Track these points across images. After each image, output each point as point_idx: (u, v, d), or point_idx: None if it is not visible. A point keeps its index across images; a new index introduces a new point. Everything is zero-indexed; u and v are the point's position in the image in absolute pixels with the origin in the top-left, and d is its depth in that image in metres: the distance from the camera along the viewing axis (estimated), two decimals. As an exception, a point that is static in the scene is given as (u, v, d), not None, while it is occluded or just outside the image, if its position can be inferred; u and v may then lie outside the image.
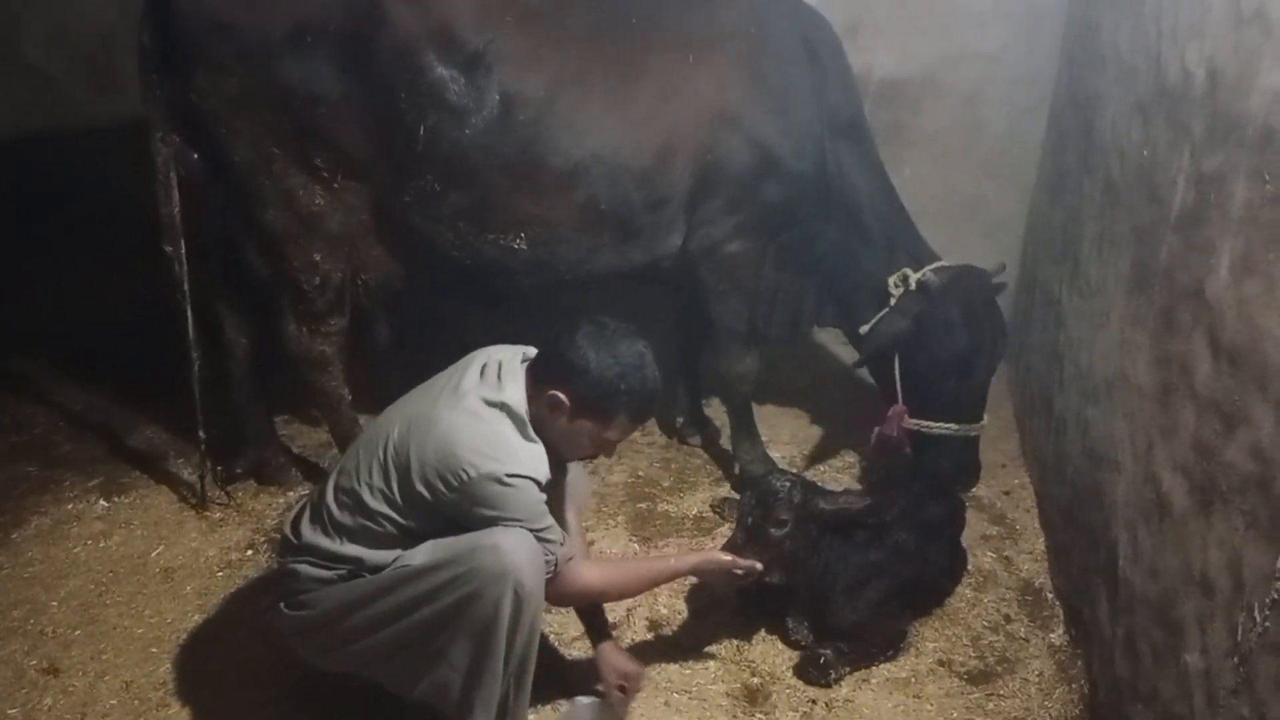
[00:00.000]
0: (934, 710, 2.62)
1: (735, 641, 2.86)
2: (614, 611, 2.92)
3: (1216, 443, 1.94)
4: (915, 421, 3.34)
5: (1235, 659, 1.79)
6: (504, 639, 2.10)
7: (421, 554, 2.13)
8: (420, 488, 2.11)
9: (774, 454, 3.80)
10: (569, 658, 2.77)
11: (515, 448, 2.14)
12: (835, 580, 2.75)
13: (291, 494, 3.52)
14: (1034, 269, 4.34)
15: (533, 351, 2.31)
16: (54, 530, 3.30)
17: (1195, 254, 2.16)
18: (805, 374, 4.57)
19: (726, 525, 3.32)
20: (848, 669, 2.72)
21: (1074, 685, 2.71)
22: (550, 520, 2.19)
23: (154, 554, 3.18)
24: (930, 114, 4.67)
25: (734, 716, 2.58)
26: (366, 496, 2.17)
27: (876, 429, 3.40)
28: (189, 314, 3.12)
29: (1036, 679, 2.75)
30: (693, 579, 3.03)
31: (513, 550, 2.07)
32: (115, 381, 4.24)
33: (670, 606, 2.99)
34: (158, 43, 2.87)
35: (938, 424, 3.32)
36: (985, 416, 3.46)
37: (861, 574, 2.77)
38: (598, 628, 2.59)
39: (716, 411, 4.06)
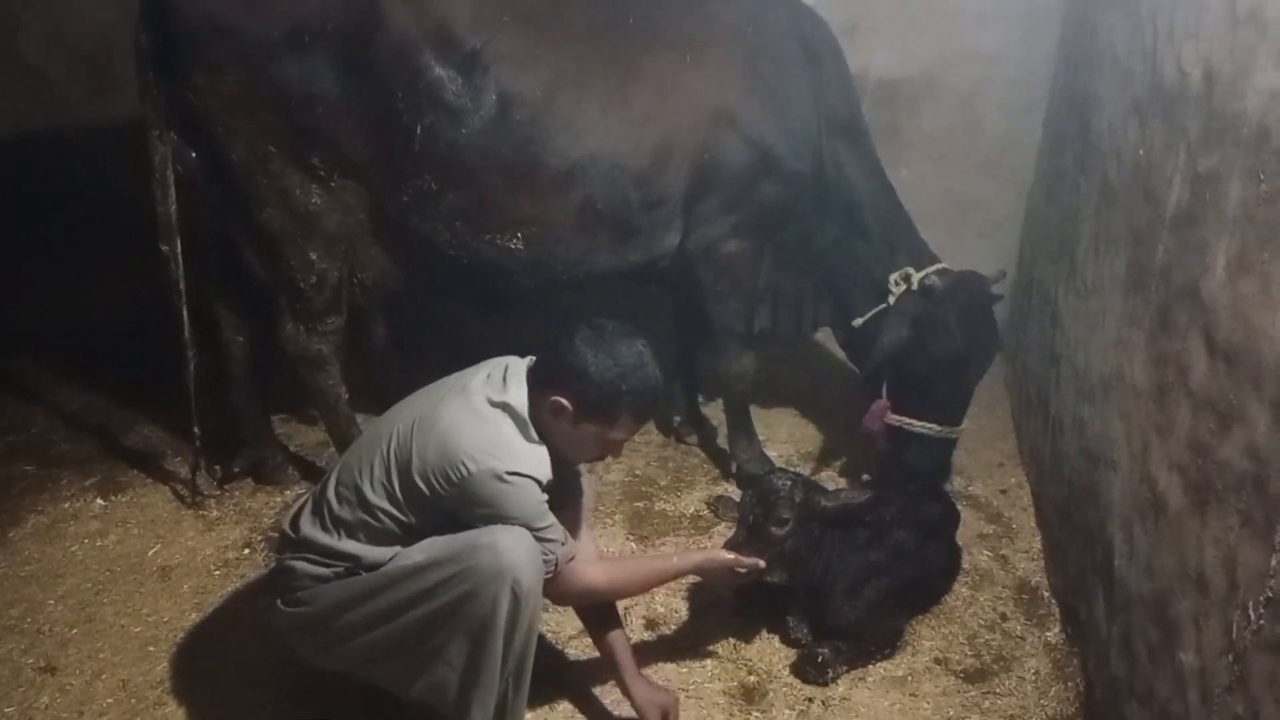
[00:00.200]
0: (930, 708, 2.63)
1: (732, 640, 2.86)
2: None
3: (1212, 441, 1.95)
4: (898, 417, 3.35)
5: (1230, 657, 1.80)
6: (501, 638, 2.10)
7: (419, 552, 2.13)
8: (420, 484, 2.11)
9: (771, 453, 3.81)
10: (568, 657, 2.77)
11: (516, 447, 2.15)
12: (835, 580, 2.75)
13: (289, 493, 3.52)
14: (1031, 269, 4.34)
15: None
16: (51, 529, 3.30)
17: (1191, 253, 2.16)
18: (803, 373, 4.57)
19: (723, 524, 3.32)
20: (844, 667, 2.73)
21: (1070, 683, 2.72)
22: (551, 520, 2.19)
23: (151, 553, 3.18)
24: (928, 114, 4.68)
25: (731, 714, 2.58)
26: (368, 491, 2.17)
27: (862, 421, 3.42)
28: (185, 313, 3.12)
29: (1033, 677, 2.76)
30: (691, 577, 3.04)
31: (511, 549, 2.07)
32: (113, 381, 4.24)
33: (667, 605, 3.00)
34: (155, 43, 2.87)
35: (920, 423, 3.34)
36: (965, 421, 3.51)
37: (861, 573, 2.77)
38: (623, 663, 2.48)
39: (714, 410, 4.06)
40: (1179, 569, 2.06)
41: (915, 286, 3.32)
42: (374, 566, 2.17)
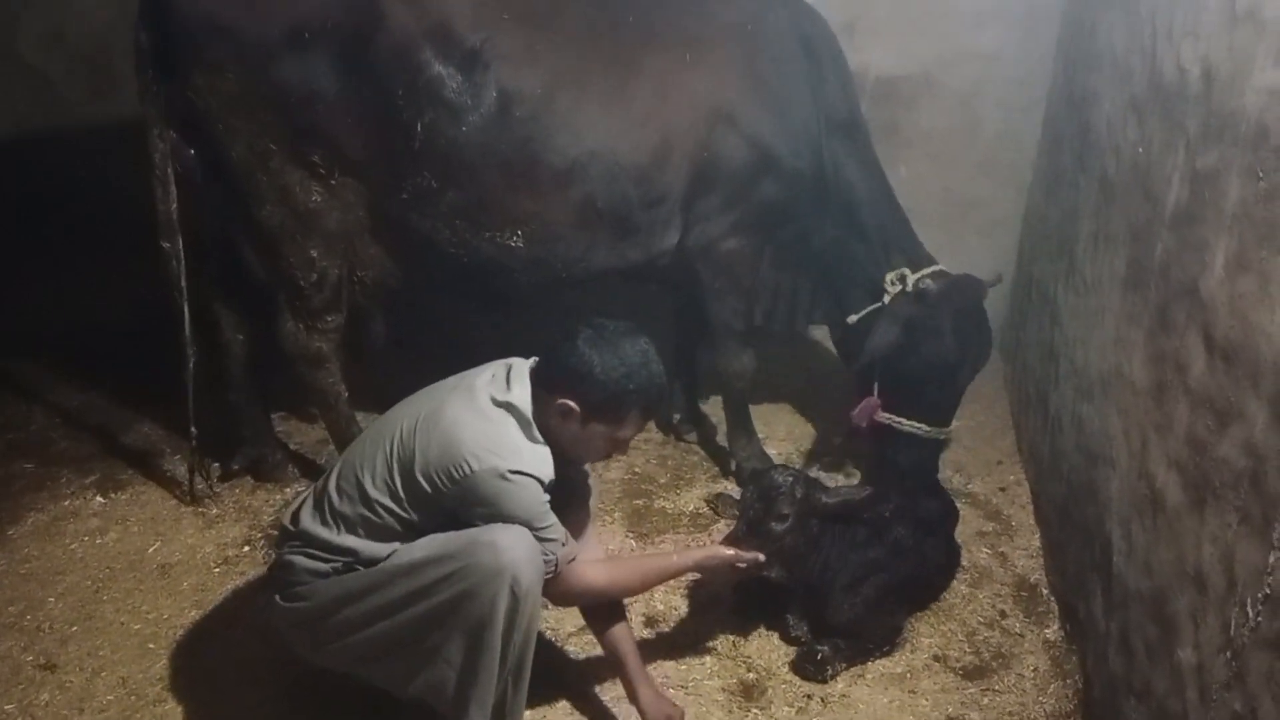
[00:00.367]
0: (929, 705, 2.63)
1: (731, 637, 2.86)
2: (610, 608, 2.94)
3: (1210, 439, 1.95)
4: (888, 416, 3.37)
5: (1228, 654, 1.80)
6: (500, 637, 2.10)
7: (418, 549, 2.13)
8: (423, 481, 2.12)
9: (770, 450, 3.81)
10: (567, 655, 2.78)
11: (519, 446, 2.15)
12: (834, 577, 2.75)
13: (288, 491, 3.52)
14: (1030, 267, 4.35)
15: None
16: (51, 527, 3.30)
17: (1190, 251, 2.17)
18: (801, 371, 4.58)
19: (723, 522, 3.32)
20: (843, 664, 2.73)
21: (1069, 680, 2.72)
22: (552, 520, 2.19)
23: (151, 550, 3.18)
24: (927, 113, 4.68)
25: (730, 712, 2.59)
26: (369, 486, 2.18)
27: (849, 414, 3.44)
28: (185, 310, 3.12)
29: (1031, 674, 2.76)
30: (692, 576, 3.05)
31: (510, 547, 2.07)
32: (113, 380, 4.25)
33: (666, 603, 3.00)
34: (155, 41, 2.87)
35: (909, 422, 3.35)
36: (954, 423, 3.53)
37: (861, 571, 2.77)
38: (631, 667, 2.47)
39: (713, 408, 4.07)
40: (1177, 566, 2.07)
41: (910, 288, 3.32)
42: (372, 562, 2.17)
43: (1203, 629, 1.92)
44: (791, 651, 2.80)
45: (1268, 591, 1.68)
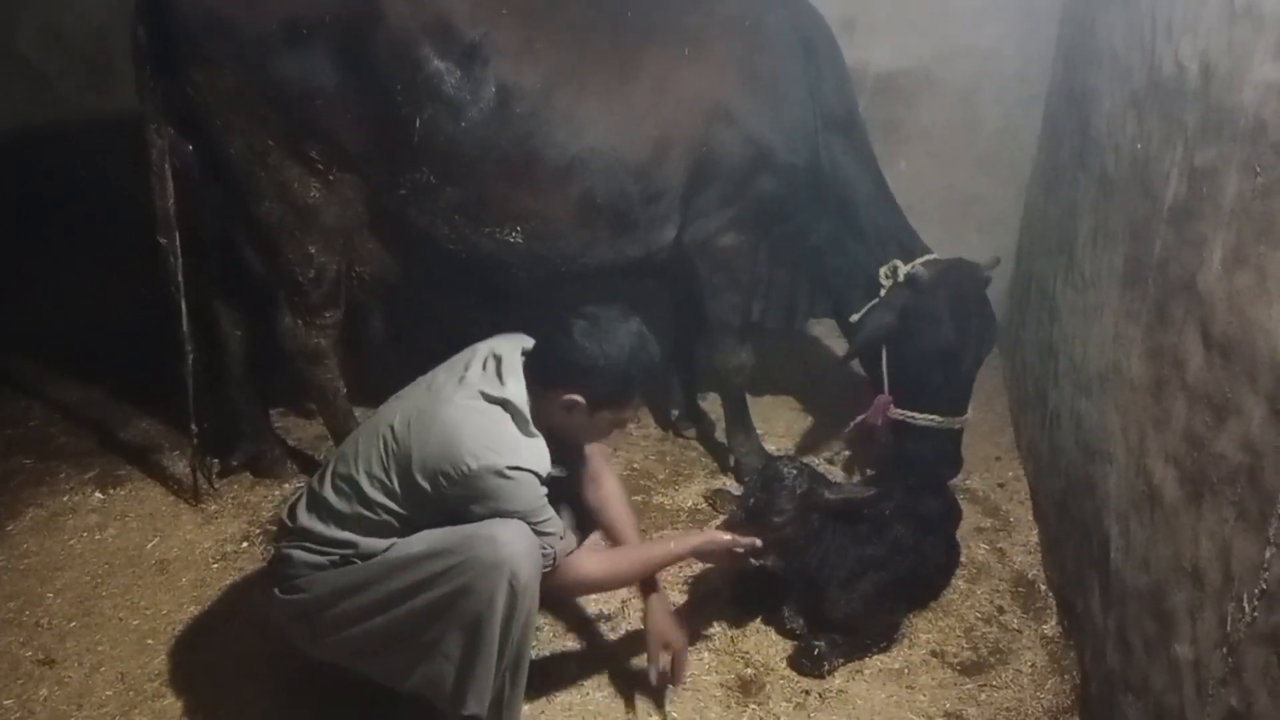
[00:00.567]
0: (926, 701, 2.64)
1: (729, 633, 2.87)
2: (610, 603, 2.94)
3: (1207, 434, 1.95)
4: (900, 411, 3.34)
5: (1224, 649, 1.81)
6: (499, 631, 2.10)
7: (417, 542, 2.14)
8: (421, 480, 2.12)
9: (769, 446, 3.82)
10: (565, 649, 2.78)
11: (516, 442, 2.16)
12: (833, 573, 2.75)
13: (287, 487, 3.53)
14: (1029, 263, 4.35)
15: (529, 342, 2.32)
16: (49, 522, 3.30)
17: (1188, 247, 2.17)
18: (800, 366, 4.57)
19: (721, 517, 3.33)
20: (841, 660, 2.73)
21: (1066, 676, 2.73)
22: (550, 514, 2.20)
23: (149, 546, 3.18)
24: (926, 109, 4.68)
25: (728, 707, 2.59)
26: (365, 485, 2.18)
27: (861, 416, 3.42)
28: (183, 306, 3.12)
29: (1029, 670, 2.77)
30: (690, 572, 3.05)
31: (509, 542, 2.08)
32: (112, 377, 4.24)
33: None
34: (152, 37, 2.87)
35: (922, 415, 3.33)
36: (970, 410, 3.45)
37: (859, 568, 2.77)
38: (648, 579, 2.56)
39: (712, 404, 4.07)
40: (1174, 562, 2.07)
41: (902, 279, 3.32)
42: (370, 555, 2.17)
43: (1200, 624, 1.93)
44: (789, 647, 2.81)
45: (1264, 587, 1.68)
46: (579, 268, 3.29)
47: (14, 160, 4.54)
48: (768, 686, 2.67)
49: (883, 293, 3.37)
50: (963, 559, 3.18)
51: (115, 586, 2.99)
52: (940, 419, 3.32)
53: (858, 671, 2.74)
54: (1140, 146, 2.64)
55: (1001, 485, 3.74)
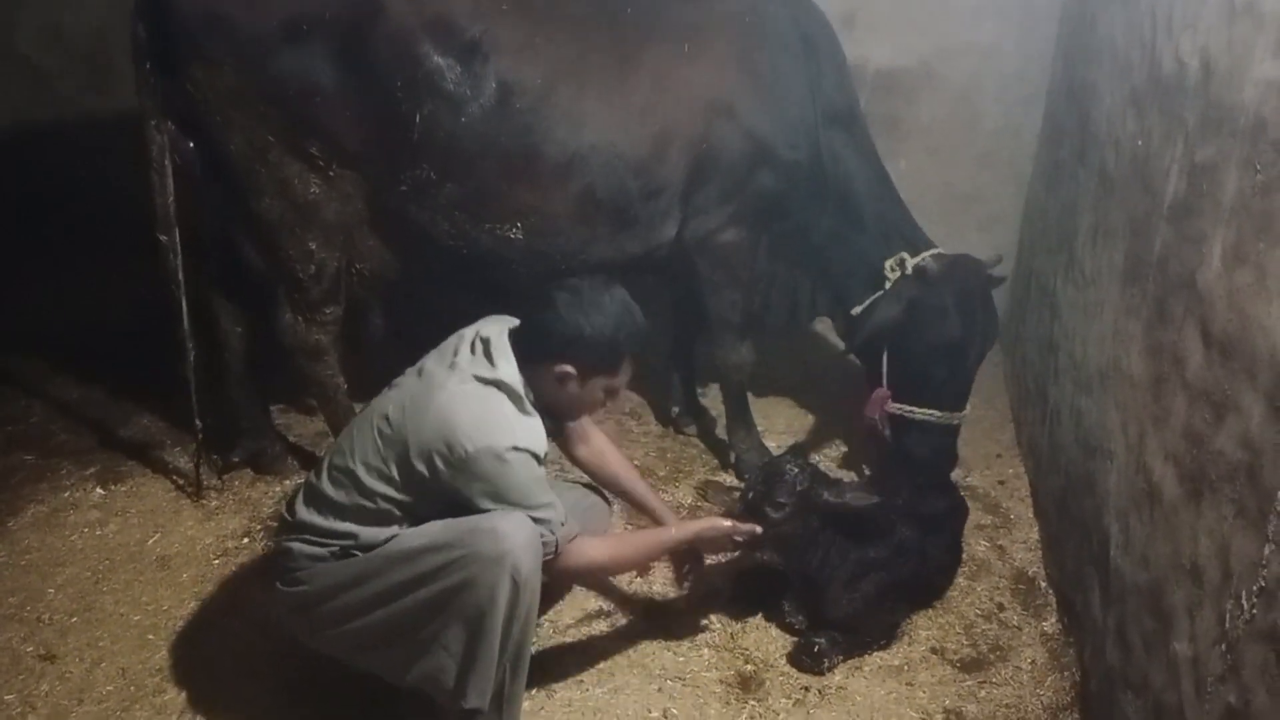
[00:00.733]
0: (926, 697, 2.64)
1: (729, 629, 2.87)
2: (609, 599, 2.94)
3: (1206, 432, 1.95)
4: (898, 406, 3.33)
5: (1223, 646, 1.81)
6: (500, 625, 2.10)
7: (417, 536, 2.14)
8: (419, 465, 2.12)
9: (769, 443, 3.81)
10: (566, 643, 2.78)
11: (512, 423, 2.16)
12: (834, 573, 2.75)
13: (288, 483, 3.53)
14: (1030, 260, 4.34)
15: (514, 322, 2.33)
16: (51, 518, 3.30)
17: (1188, 244, 2.17)
18: (801, 363, 4.58)
19: (712, 509, 3.31)
20: (841, 657, 2.74)
21: (1066, 673, 2.73)
22: (549, 498, 2.20)
23: (150, 542, 3.19)
24: (926, 106, 4.68)
25: (728, 703, 2.59)
26: (363, 475, 2.18)
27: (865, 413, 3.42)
28: (183, 303, 3.12)
29: (1029, 667, 2.77)
30: (688, 571, 3.05)
31: (511, 535, 2.08)
32: (112, 375, 4.24)
33: (665, 594, 3.01)
34: (152, 34, 2.87)
35: (921, 410, 3.32)
36: (968, 407, 3.44)
37: (860, 568, 2.76)
38: (652, 507, 2.76)
39: (713, 401, 4.07)
40: (1173, 559, 2.07)
41: (910, 271, 3.31)
42: (371, 546, 2.18)
43: (1198, 621, 1.93)
44: (789, 643, 2.81)
45: (1262, 584, 1.68)
46: (579, 264, 3.28)
47: (14, 160, 4.54)
48: (767, 683, 2.67)
49: (888, 285, 3.36)
50: (964, 556, 3.18)
51: (116, 582, 2.99)
52: (940, 414, 3.31)
53: (857, 668, 2.74)
54: (1140, 143, 2.63)
55: (1002, 482, 3.74)
